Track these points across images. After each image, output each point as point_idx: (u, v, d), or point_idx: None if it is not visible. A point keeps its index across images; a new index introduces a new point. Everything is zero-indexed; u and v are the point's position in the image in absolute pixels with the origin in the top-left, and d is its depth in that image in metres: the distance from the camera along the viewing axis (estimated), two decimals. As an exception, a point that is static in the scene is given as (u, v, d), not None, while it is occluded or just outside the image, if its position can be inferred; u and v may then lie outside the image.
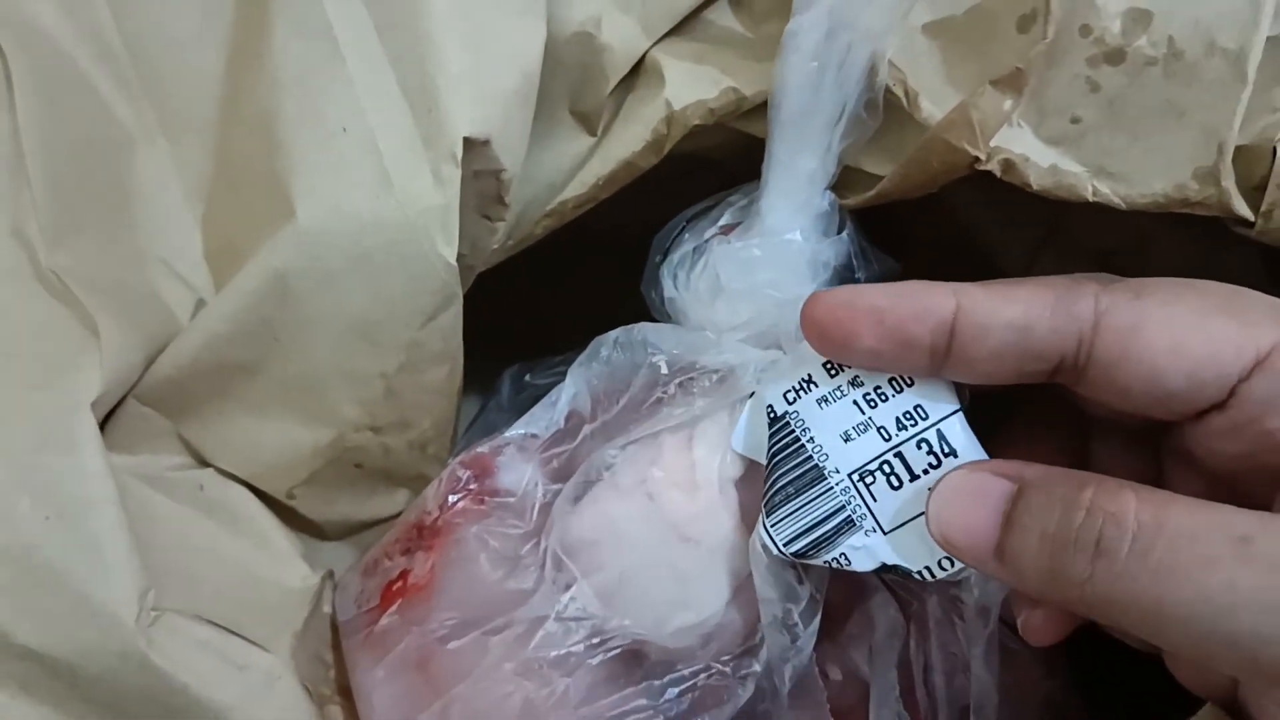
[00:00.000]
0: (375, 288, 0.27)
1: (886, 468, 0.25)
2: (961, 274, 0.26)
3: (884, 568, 0.25)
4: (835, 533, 0.25)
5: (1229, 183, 0.26)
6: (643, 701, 0.25)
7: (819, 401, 0.26)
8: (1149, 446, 0.26)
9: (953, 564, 0.24)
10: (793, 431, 0.26)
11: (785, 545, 0.25)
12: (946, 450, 0.25)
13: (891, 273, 0.30)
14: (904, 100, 0.26)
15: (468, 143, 0.26)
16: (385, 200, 0.26)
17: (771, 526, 0.25)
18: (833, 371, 0.26)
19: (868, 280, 0.29)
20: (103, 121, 0.28)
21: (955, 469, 0.24)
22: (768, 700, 0.26)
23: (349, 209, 0.26)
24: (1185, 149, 0.26)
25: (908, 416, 0.25)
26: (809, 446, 0.26)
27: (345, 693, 0.28)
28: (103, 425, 0.28)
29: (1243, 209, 0.26)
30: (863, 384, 0.26)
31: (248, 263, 0.27)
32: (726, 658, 0.26)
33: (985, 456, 0.25)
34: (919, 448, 0.25)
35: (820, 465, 0.25)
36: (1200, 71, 0.25)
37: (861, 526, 0.25)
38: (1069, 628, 0.26)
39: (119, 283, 0.28)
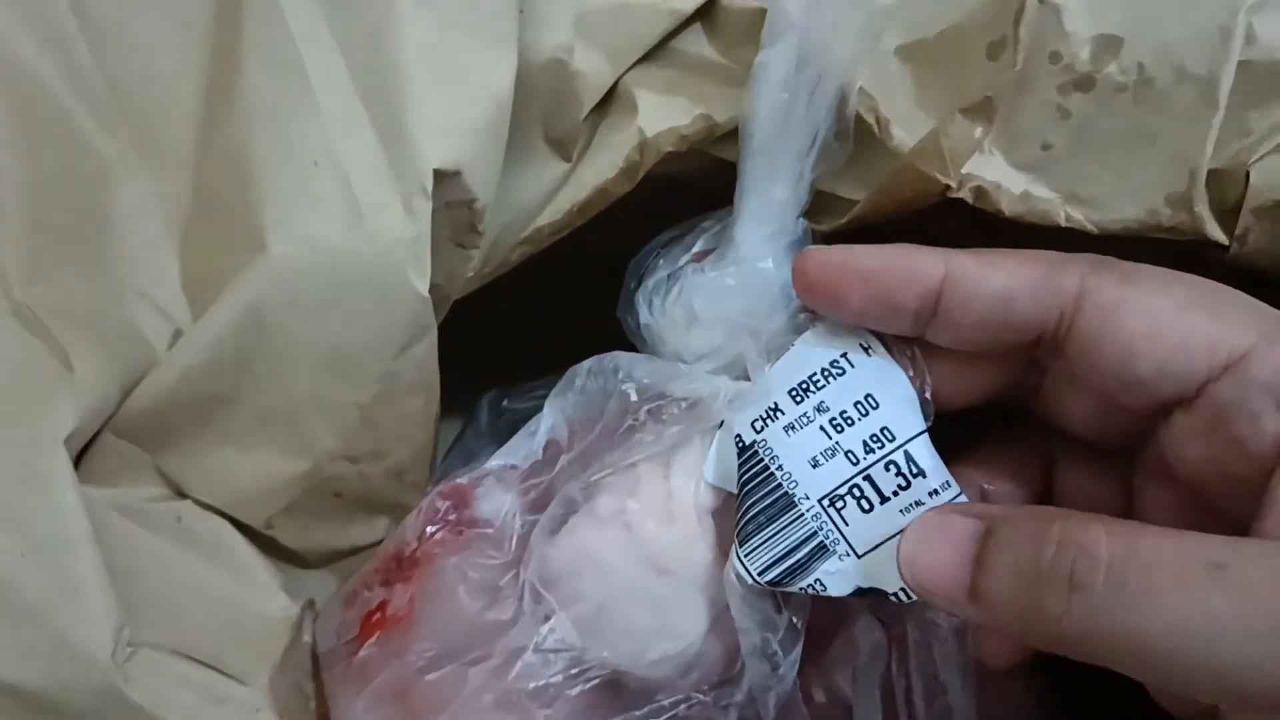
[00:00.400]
0: (349, 319, 0.27)
1: (856, 491, 0.25)
2: None
3: (859, 591, 0.25)
4: (809, 559, 0.25)
5: (1202, 208, 0.26)
6: (626, 736, 0.25)
7: (786, 429, 0.26)
8: (1116, 470, 0.26)
9: None
10: (761, 460, 0.26)
11: (760, 574, 0.25)
12: (914, 471, 0.25)
13: None
14: (875, 127, 0.26)
15: (438, 174, 0.26)
16: (356, 232, 0.26)
17: (745, 556, 0.25)
18: (798, 399, 0.26)
19: None
20: (81, 153, 0.28)
21: (924, 513, 0.24)
22: (752, 728, 0.26)
23: (321, 241, 0.26)
24: (1157, 175, 0.26)
25: (874, 439, 0.25)
26: (778, 474, 0.26)
27: (325, 723, 0.28)
28: (79, 458, 0.28)
29: (1217, 233, 0.26)
30: (828, 409, 0.26)
31: (222, 294, 0.27)
32: (707, 687, 0.26)
33: (949, 478, 0.25)
34: (887, 469, 0.25)
35: (790, 493, 0.25)
36: (1171, 98, 0.25)
37: (835, 551, 0.25)
38: (1026, 652, 0.27)
39: (96, 315, 0.28)
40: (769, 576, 0.25)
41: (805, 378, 0.26)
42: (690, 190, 0.31)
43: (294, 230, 0.26)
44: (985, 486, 0.27)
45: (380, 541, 0.31)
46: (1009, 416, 0.28)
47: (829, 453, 0.25)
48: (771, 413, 0.26)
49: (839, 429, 0.26)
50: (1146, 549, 0.20)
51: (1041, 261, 0.24)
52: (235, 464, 0.29)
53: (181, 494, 0.29)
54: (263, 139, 0.27)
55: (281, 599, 0.29)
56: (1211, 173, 0.26)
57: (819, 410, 0.26)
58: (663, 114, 0.28)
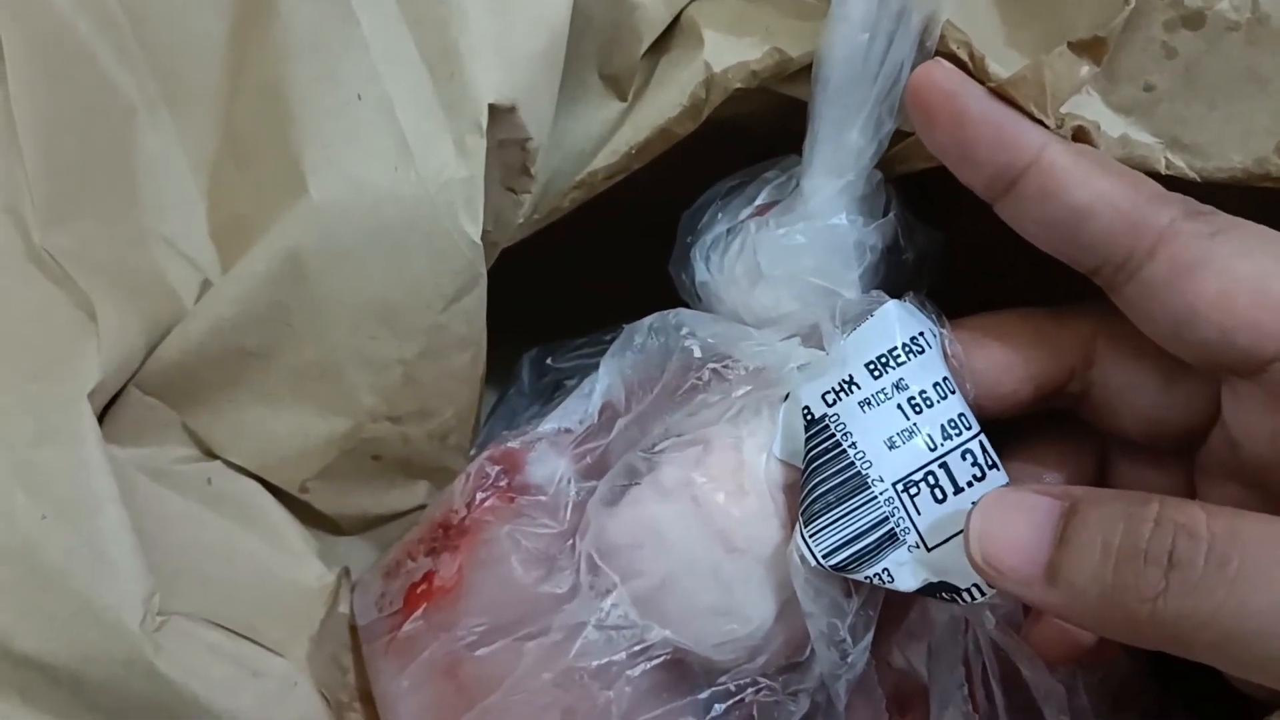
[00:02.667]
0: (394, 268, 0.25)
1: (931, 479, 0.24)
2: (1007, 244, 0.25)
3: (928, 586, 0.24)
4: (878, 546, 0.24)
5: (1314, 156, 0.24)
6: (689, 718, 0.24)
7: (861, 404, 0.24)
8: (1175, 467, 0.25)
9: None
10: (832, 435, 0.24)
11: (825, 557, 0.23)
12: (990, 462, 0.24)
13: (937, 244, 0.28)
14: (969, 63, 0.24)
15: (493, 110, 0.25)
16: (404, 173, 0.25)
17: (810, 536, 0.24)
18: (876, 373, 0.24)
19: (915, 260, 0.27)
20: (102, 92, 0.27)
21: (998, 488, 0.23)
22: (821, 714, 0.25)
23: (366, 183, 0.25)
24: (1266, 120, 0.24)
25: (952, 425, 0.24)
26: (851, 453, 0.24)
27: (365, 699, 0.27)
28: (102, 416, 0.26)
29: (1328, 185, 0.24)
30: (907, 388, 0.24)
31: (257, 242, 0.25)
32: (775, 671, 0.25)
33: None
34: (964, 458, 0.24)
35: (863, 473, 0.24)
36: (1286, 35, 0.23)
37: (905, 541, 0.24)
38: (1080, 648, 0.25)
39: (119, 263, 0.27)
40: (835, 560, 0.23)
41: (885, 351, 0.24)
42: (748, 134, 0.29)
43: (337, 171, 0.25)
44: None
45: (419, 508, 0.30)
46: (1059, 415, 0.27)
47: (906, 434, 0.24)
48: (846, 385, 0.24)
49: (918, 410, 0.24)
50: (1249, 529, 0.19)
51: (1135, 192, 0.23)
52: (269, 423, 0.27)
53: (211, 455, 0.28)
54: (301, 73, 0.25)
55: (316, 567, 0.28)
56: (1326, 119, 0.24)
57: (898, 388, 0.24)
58: (730, 48, 0.26)
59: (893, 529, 0.24)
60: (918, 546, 0.24)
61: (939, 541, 0.23)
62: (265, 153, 0.26)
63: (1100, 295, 0.24)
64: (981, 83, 0.24)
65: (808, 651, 0.24)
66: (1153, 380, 0.25)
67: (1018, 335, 0.25)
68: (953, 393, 0.24)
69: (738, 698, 0.24)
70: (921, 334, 0.25)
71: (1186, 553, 0.19)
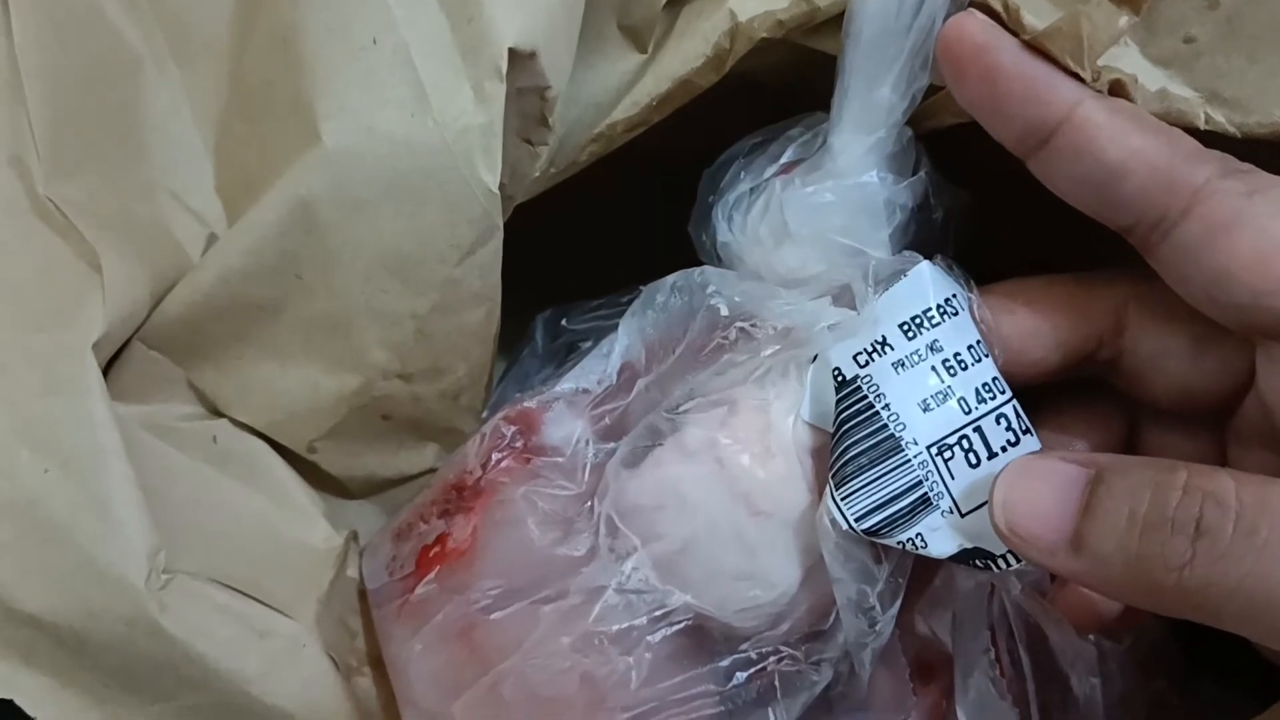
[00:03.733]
0: (409, 218, 0.25)
1: (965, 443, 0.23)
2: (1032, 203, 0.24)
3: (963, 552, 0.23)
4: (911, 511, 0.23)
5: (1358, 112, 0.23)
6: (709, 686, 0.23)
7: (895, 365, 0.23)
8: (1207, 434, 0.25)
9: None
10: (865, 397, 0.23)
11: (857, 521, 0.23)
12: (1024, 428, 0.23)
13: (963, 204, 0.27)
14: (1003, 14, 0.23)
15: (513, 55, 0.24)
16: (421, 120, 0.24)
17: (842, 500, 0.23)
18: (910, 334, 0.24)
19: (945, 217, 0.27)
20: (109, 44, 0.26)
21: (1023, 455, 0.22)
22: (843, 683, 0.24)
23: (381, 130, 0.24)
24: (1311, 73, 0.23)
25: (986, 389, 0.23)
26: (884, 415, 0.23)
27: (374, 663, 0.26)
28: (106, 371, 0.26)
29: (1373, 140, 0.24)
30: (941, 349, 0.24)
31: (268, 191, 0.25)
32: (798, 639, 0.24)
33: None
34: (998, 423, 0.23)
35: (897, 435, 0.23)
36: (1333, -16, 0.23)
37: (939, 506, 0.23)
38: (1106, 618, 0.25)
39: (124, 215, 0.26)
40: (867, 524, 0.23)
41: (920, 312, 0.24)
42: (770, 90, 0.28)
43: (351, 118, 0.24)
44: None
45: (428, 472, 0.29)
46: (1087, 382, 0.26)
47: (940, 396, 0.23)
48: (879, 346, 0.24)
49: (952, 372, 0.23)
50: (1279, 498, 0.19)
51: (1171, 150, 0.22)
52: (277, 380, 0.27)
53: (217, 412, 0.27)
54: (314, 20, 0.25)
55: (324, 528, 0.27)
56: (1371, 73, 0.23)
57: (932, 349, 0.24)
58: (756, -4, 0.25)
59: (926, 493, 0.23)
60: (951, 512, 0.23)
61: (973, 507, 0.23)
62: (276, 103, 0.25)
63: (1131, 261, 0.24)
64: (1015, 35, 0.23)
65: (831, 619, 0.24)
66: (1185, 347, 0.24)
67: (1046, 301, 0.25)
68: (986, 356, 0.24)
69: (759, 666, 0.24)
70: (954, 296, 0.24)
71: (1214, 521, 0.19)
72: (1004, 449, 0.23)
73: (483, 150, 0.24)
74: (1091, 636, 0.26)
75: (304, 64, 0.24)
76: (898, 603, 0.23)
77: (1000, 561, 0.23)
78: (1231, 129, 0.24)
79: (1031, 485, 0.21)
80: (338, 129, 0.24)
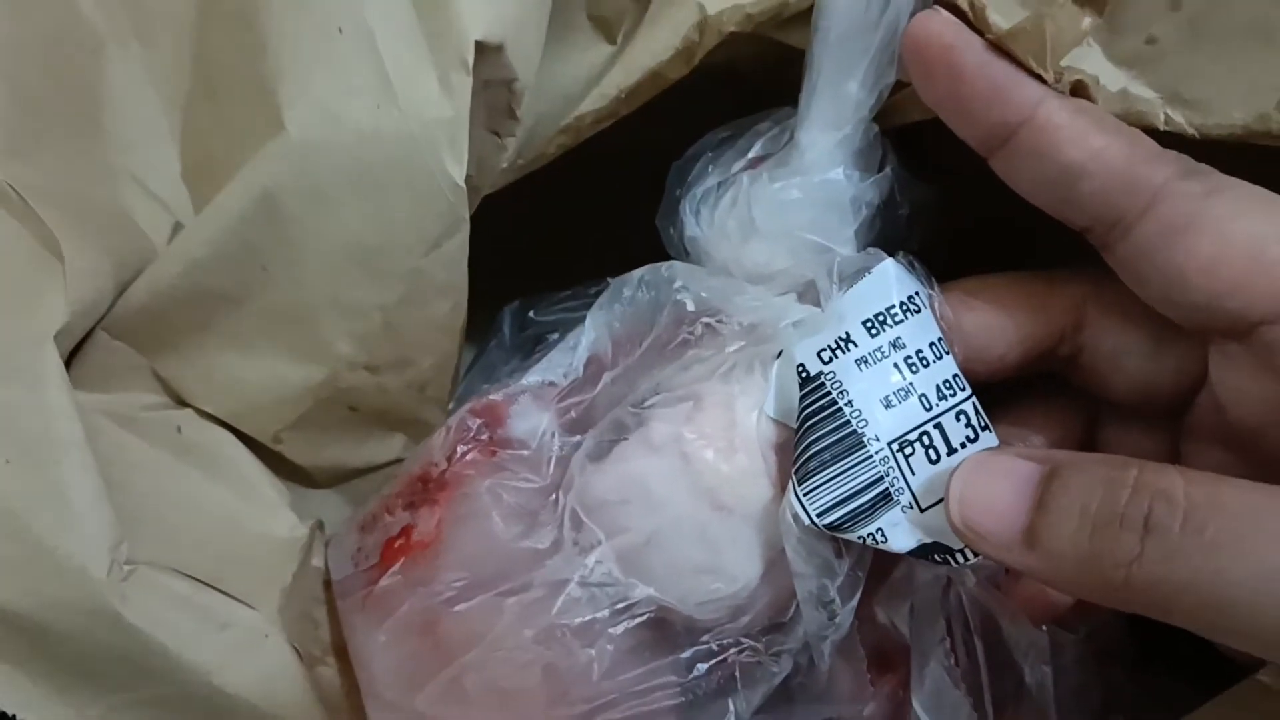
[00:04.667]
0: (374, 209, 0.24)
1: (926, 439, 0.23)
2: (998, 199, 0.24)
3: (922, 547, 0.23)
4: (872, 506, 0.23)
5: (1317, 114, 0.24)
6: (670, 677, 0.23)
7: (858, 362, 0.24)
8: (1164, 431, 0.25)
9: None
10: (828, 394, 0.24)
11: (819, 516, 0.23)
12: (983, 424, 0.24)
13: (928, 199, 0.27)
14: (968, 12, 0.23)
15: (479, 47, 0.23)
16: (387, 110, 0.24)
17: (805, 495, 0.23)
18: (874, 331, 0.24)
19: (910, 214, 0.27)
20: (69, 22, 0.26)
21: (978, 451, 0.23)
22: (803, 674, 0.24)
23: (345, 120, 0.24)
24: (1272, 76, 0.23)
25: (947, 385, 0.24)
26: (847, 411, 0.23)
27: (338, 653, 0.26)
28: (69, 360, 0.25)
29: (1332, 144, 0.24)
30: (904, 346, 0.24)
31: (231, 180, 0.24)
32: (758, 631, 0.24)
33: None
34: (958, 419, 0.24)
35: (859, 431, 0.23)
36: (1295, -12, 0.23)
37: (899, 501, 0.23)
38: (1059, 609, 0.25)
39: (86, 201, 0.26)
40: (829, 520, 0.23)
41: (883, 309, 0.24)
42: (741, 83, 0.28)
43: (315, 107, 0.24)
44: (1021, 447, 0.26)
45: (395, 462, 0.29)
46: (1046, 379, 0.27)
47: (903, 393, 0.24)
48: (843, 343, 0.24)
49: (914, 369, 0.24)
50: (1228, 496, 0.19)
51: (1130, 150, 0.22)
52: (241, 370, 0.26)
53: (182, 402, 0.27)
54: (277, 2, 0.24)
55: (289, 518, 0.27)
56: (1330, 75, 0.23)
57: (895, 346, 0.24)
58: (726, -11, 0.25)
59: (887, 489, 0.23)
60: (911, 507, 0.23)
61: (932, 503, 0.23)
62: (239, 88, 0.25)
63: (1091, 259, 0.24)
64: (981, 33, 0.23)
65: (791, 612, 0.24)
66: (1143, 344, 0.24)
67: (1007, 298, 0.25)
68: (947, 353, 0.24)
69: (720, 657, 0.24)
70: (916, 294, 0.24)
71: (1163, 518, 0.19)
72: (963, 445, 0.23)
73: (449, 142, 0.24)
74: (1045, 627, 0.26)
75: (266, 48, 0.24)
76: (857, 596, 0.24)
77: (958, 556, 0.23)
78: (1191, 130, 0.24)
79: (987, 481, 0.21)
80: (302, 117, 0.24)
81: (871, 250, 0.25)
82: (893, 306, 0.24)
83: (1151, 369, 0.24)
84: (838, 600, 0.23)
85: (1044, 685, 0.25)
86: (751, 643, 0.24)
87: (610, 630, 0.23)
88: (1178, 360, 0.24)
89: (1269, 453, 0.22)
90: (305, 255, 0.25)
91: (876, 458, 0.23)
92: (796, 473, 0.23)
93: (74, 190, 0.26)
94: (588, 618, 0.23)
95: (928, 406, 0.23)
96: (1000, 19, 0.24)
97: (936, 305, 0.25)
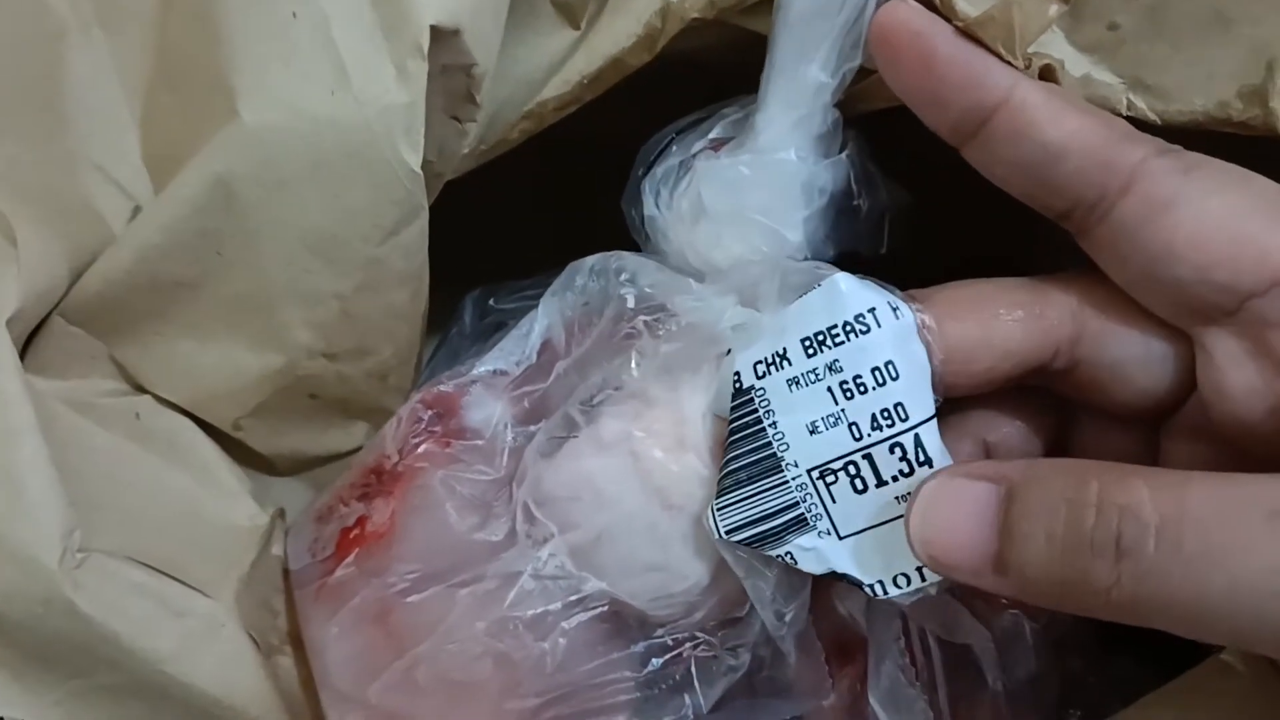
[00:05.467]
0: (330, 197, 0.24)
1: (852, 469, 0.23)
2: (979, 196, 0.24)
3: (833, 574, 0.23)
4: (784, 529, 0.23)
5: (1277, 103, 0.23)
6: (625, 672, 0.23)
7: (790, 382, 0.23)
8: (1141, 428, 0.24)
9: (909, 582, 0.22)
10: (755, 411, 0.23)
11: (728, 533, 0.23)
12: (921, 459, 0.22)
13: (902, 203, 0.27)
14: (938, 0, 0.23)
15: (435, 32, 0.23)
16: (341, 97, 0.23)
17: (718, 510, 0.23)
18: (811, 351, 0.23)
19: (875, 216, 0.26)
20: (34, 10, 0.26)
21: (929, 477, 0.22)
22: (768, 669, 0.24)
23: (300, 107, 0.23)
24: (1231, 64, 0.24)
25: (885, 415, 0.22)
26: (769, 431, 0.23)
27: (295, 642, 0.26)
28: (25, 346, 0.25)
29: (1291, 132, 0.24)
30: (841, 370, 0.23)
31: (187, 167, 0.24)
32: (714, 625, 0.24)
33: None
34: (892, 451, 0.22)
35: (779, 455, 0.23)
36: (1253, -23, 0.23)
37: (815, 527, 0.23)
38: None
39: (46, 187, 0.26)
40: (738, 537, 0.23)
41: (824, 328, 0.23)
42: (707, 70, 0.28)
43: (269, 94, 0.24)
44: (987, 439, 0.25)
45: (358, 449, 0.29)
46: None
47: (831, 420, 0.23)
48: (778, 359, 0.23)
49: (849, 395, 0.23)
50: (1197, 504, 0.18)
51: (1107, 130, 0.22)
52: (200, 358, 0.26)
53: (140, 388, 0.27)
54: (234, -10, 0.24)
55: (249, 506, 0.27)
56: (1291, 63, 0.23)
57: (831, 369, 0.23)
58: (687, -24, 0.25)
59: (803, 514, 0.23)
60: (829, 534, 0.23)
61: (852, 532, 0.23)
62: (197, 77, 0.25)
63: (1076, 266, 0.24)
64: (948, 21, 0.23)
65: (747, 607, 0.24)
66: (1146, 352, 0.23)
67: (995, 307, 0.23)
68: (894, 379, 0.22)
69: (675, 652, 0.24)
70: (872, 310, 0.23)
71: (1134, 540, 0.18)
72: (894, 478, 0.22)
73: (405, 130, 0.24)
74: (1007, 614, 0.26)
75: (221, 36, 0.24)
76: (804, 593, 0.23)
77: (871, 588, 0.23)
78: (1153, 116, 0.24)
79: (945, 513, 0.21)
80: (257, 105, 0.23)
81: (823, 265, 0.24)
82: (835, 326, 0.23)
83: (1155, 376, 0.23)
84: (780, 600, 0.23)
85: (998, 679, 0.25)
86: (707, 637, 0.24)
87: (563, 624, 0.23)
88: (1179, 363, 0.23)
89: (1256, 445, 0.22)
90: (261, 242, 0.25)
91: (793, 483, 0.23)
92: (718, 486, 0.23)
93: (34, 176, 0.26)
94: (540, 610, 0.23)
95: (857, 436, 0.23)
96: (968, 6, 0.23)
97: (914, 317, 0.23)
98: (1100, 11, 0.24)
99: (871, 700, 0.24)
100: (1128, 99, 0.24)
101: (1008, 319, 0.23)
